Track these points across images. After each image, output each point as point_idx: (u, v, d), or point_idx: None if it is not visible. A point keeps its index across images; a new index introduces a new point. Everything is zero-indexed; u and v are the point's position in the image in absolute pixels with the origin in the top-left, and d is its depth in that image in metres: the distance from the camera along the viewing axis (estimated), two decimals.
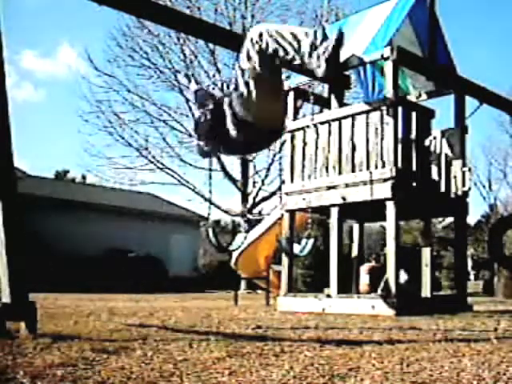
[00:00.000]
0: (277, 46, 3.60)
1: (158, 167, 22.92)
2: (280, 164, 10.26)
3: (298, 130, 7.55)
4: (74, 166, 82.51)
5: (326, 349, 3.16)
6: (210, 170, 5.29)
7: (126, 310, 6.79)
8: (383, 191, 6.45)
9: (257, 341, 3.41)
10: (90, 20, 44.99)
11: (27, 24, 51.89)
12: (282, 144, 20.21)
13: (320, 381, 2.29)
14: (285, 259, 7.55)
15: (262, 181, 23.01)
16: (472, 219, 34.90)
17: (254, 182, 23.20)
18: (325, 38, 3.57)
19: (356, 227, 8.41)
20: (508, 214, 29.59)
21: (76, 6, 44.66)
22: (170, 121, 22.33)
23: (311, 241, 6.35)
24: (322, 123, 7.27)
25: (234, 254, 10.59)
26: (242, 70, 3.71)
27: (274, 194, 21.78)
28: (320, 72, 3.53)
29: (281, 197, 7.98)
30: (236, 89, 3.77)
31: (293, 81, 8.12)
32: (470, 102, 7.90)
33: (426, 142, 7.32)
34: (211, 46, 20.72)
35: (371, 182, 6.56)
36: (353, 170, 6.88)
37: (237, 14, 22.09)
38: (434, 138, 7.49)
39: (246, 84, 3.67)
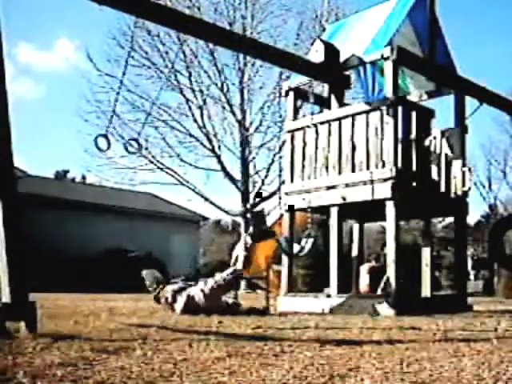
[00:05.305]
0: None
1: (158, 167, 22.86)
2: (280, 164, 10.27)
3: (298, 130, 7.55)
4: (74, 165, 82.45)
5: (326, 349, 3.16)
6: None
7: (125, 309, 6.78)
8: (383, 191, 6.45)
9: (257, 341, 3.41)
10: (89, 18, 44.81)
11: (24, 17, 51.69)
12: (282, 144, 20.23)
13: (320, 381, 2.29)
14: (285, 259, 7.55)
15: (262, 181, 22.97)
16: (472, 219, 34.87)
17: (254, 182, 23.17)
18: None
19: (356, 227, 8.41)
20: (508, 213, 29.56)
21: (74, 3, 44.54)
22: (169, 121, 22.29)
23: (311, 240, 6.36)
24: (321, 123, 7.27)
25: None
26: None
27: (274, 193, 21.72)
28: None
29: (280, 197, 7.99)
30: None
31: (293, 81, 8.12)
32: (470, 102, 7.91)
33: (426, 142, 7.31)
34: (211, 45, 20.69)
35: (371, 181, 6.56)
36: (353, 170, 6.88)
37: (237, 14, 22.08)
38: (434, 137, 7.48)
39: None
